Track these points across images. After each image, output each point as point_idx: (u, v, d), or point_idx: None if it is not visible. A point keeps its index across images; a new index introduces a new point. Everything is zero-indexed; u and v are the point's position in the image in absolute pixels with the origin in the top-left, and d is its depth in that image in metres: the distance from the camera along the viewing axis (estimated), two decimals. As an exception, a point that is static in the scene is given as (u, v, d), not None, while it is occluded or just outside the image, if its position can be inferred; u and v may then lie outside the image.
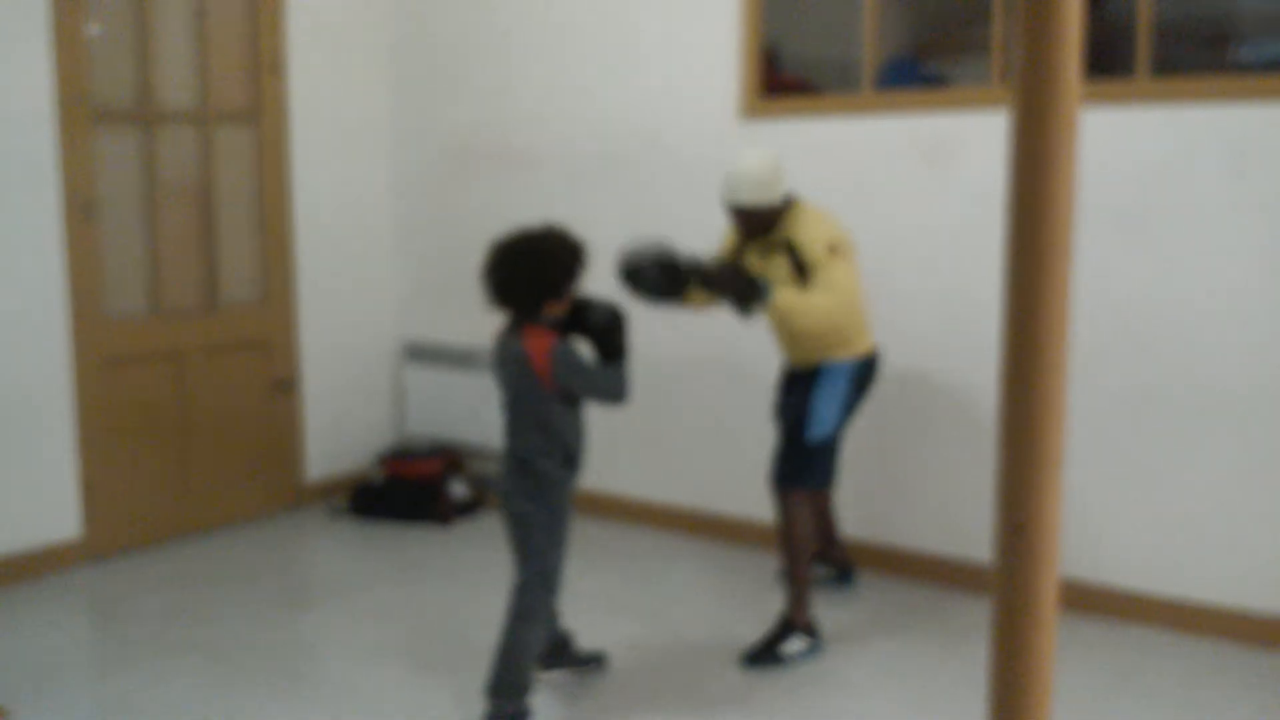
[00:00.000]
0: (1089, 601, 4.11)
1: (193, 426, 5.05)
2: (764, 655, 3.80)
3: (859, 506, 4.57)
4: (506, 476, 3.33)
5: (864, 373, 3.85)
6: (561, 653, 3.64)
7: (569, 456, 3.31)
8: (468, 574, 4.66)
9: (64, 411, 4.59)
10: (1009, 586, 1.45)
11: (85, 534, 4.69)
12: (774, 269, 3.73)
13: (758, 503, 4.70)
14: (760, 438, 4.53)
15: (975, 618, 4.16)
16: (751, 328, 4.52)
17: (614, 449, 5.13)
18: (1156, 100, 3.86)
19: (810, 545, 3.83)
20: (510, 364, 3.26)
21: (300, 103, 5.33)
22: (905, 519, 4.51)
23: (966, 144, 4.20)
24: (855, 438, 4.51)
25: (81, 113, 4.57)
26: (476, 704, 3.47)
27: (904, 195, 4.36)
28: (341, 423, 5.65)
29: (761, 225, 3.71)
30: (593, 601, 4.27)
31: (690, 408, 4.99)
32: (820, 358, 3.80)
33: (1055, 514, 1.40)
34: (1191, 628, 3.96)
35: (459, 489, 5.44)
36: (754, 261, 3.79)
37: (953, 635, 4.02)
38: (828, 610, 4.19)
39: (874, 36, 4.38)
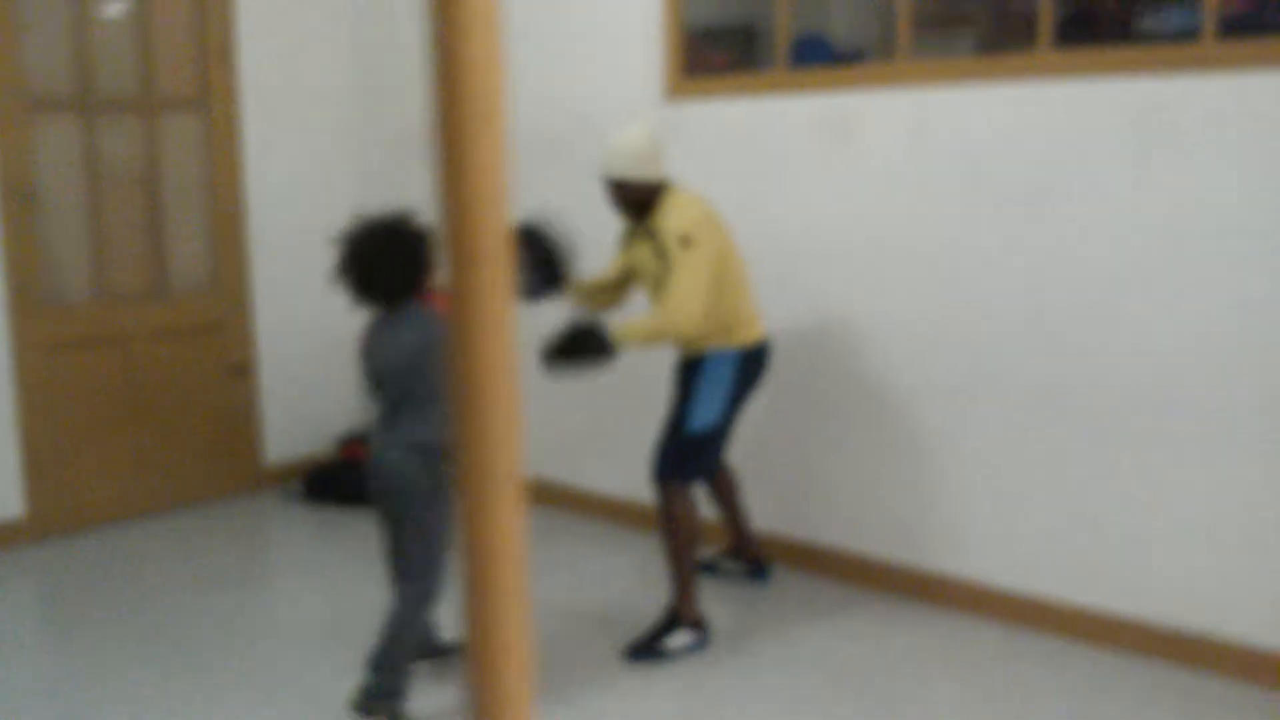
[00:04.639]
0: (976, 603, 3.96)
1: (143, 409, 5.15)
2: (647, 648, 3.74)
3: (778, 501, 4.47)
4: (394, 460, 3.29)
5: (751, 362, 3.76)
6: (426, 639, 3.62)
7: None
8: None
9: (4, 394, 4.72)
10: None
11: (29, 513, 4.83)
12: (641, 255, 3.68)
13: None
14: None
15: (883, 618, 4.06)
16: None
17: (566, 438, 5.11)
18: (1059, 74, 3.68)
19: (694, 537, 3.75)
20: (399, 350, 3.24)
21: (252, 89, 5.39)
22: (822, 514, 4.39)
23: (870, 121, 4.07)
24: (775, 428, 4.42)
25: (16, 102, 4.68)
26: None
27: (815, 174, 4.25)
28: (301, 406, 5.71)
29: (632, 202, 3.65)
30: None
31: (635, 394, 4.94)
32: (703, 346, 3.73)
33: (516, 542, 1.33)
34: (1088, 636, 3.78)
35: (411, 473, 5.46)
36: (638, 250, 3.73)
37: (853, 637, 3.92)
38: (731, 605, 4.12)
39: (786, 13, 4.26)
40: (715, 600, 4.16)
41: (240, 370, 5.47)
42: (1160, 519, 3.61)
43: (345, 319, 5.89)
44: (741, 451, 4.50)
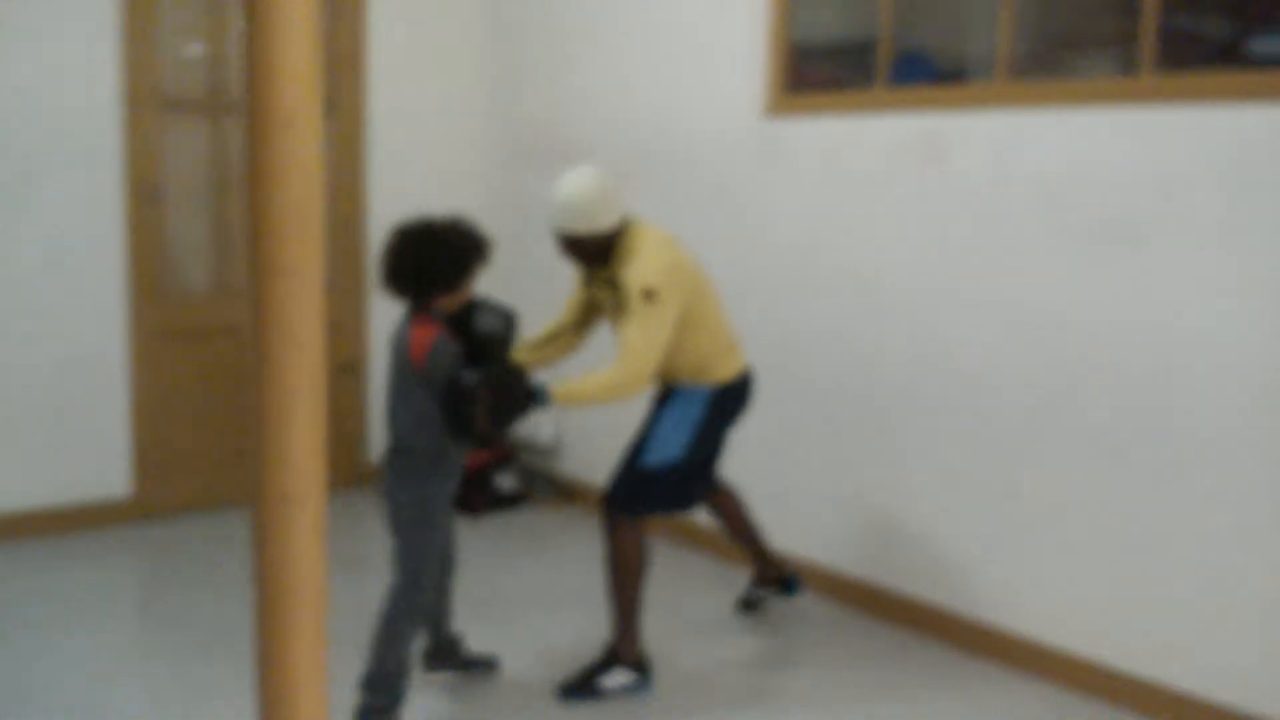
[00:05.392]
0: (1027, 661, 3.67)
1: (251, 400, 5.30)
2: (581, 686, 3.54)
3: (840, 538, 4.28)
4: (386, 465, 3.31)
5: (728, 398, 3.57)
6: (449, 653, 3.59)
7: (442, 451, 3.25)
8: (464, 567, 4.68)
9: (120, 378, 4.95)
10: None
11: (136, 493, 5.04)
12: (604, 299, 3.49)
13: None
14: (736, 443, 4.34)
15: (928, 669, 3.84)
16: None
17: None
18: (1159, 100, 3.39)
19: (639, 572, 3.52)
20: (395, 349, 3.25)
21: (379, 97, 5.51)
22: (882, 554, 4.16)
23: (959, 144, 3.85)
24: (839, 458, 4.23)
25: (148, 102, 4.91)
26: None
27: (898, 196, 4.05)
28: (409, 408, 5.80)
29: (588, 254, 3.40)
30: (548, 594, 4.23)
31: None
32: (677, 380, 3.56)
33: (314, 568, 1.27)
34: (1144, 709, 3.46)
35: (507, 482, 5.47)
36: (599, 293, 3.52)
37: (890, 688, 3.71)
38: (767, 640, 3.96)
39: (889, 29, 4.08)
40: (748, 635, 4.03)
41: (349, 368, 5.59)
42: (1232, 594, 3.27)
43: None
44: (805, 480, 4.34)
